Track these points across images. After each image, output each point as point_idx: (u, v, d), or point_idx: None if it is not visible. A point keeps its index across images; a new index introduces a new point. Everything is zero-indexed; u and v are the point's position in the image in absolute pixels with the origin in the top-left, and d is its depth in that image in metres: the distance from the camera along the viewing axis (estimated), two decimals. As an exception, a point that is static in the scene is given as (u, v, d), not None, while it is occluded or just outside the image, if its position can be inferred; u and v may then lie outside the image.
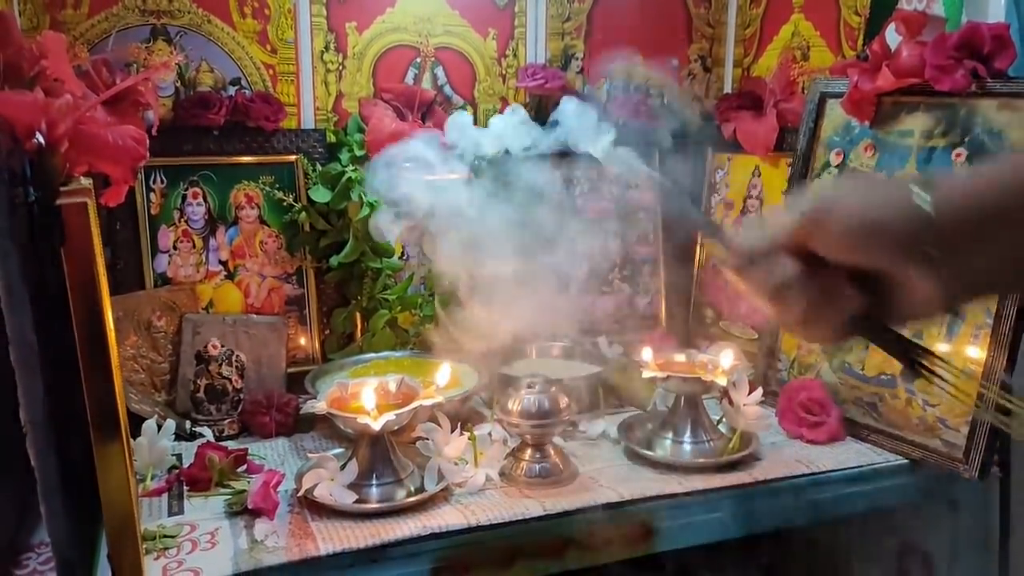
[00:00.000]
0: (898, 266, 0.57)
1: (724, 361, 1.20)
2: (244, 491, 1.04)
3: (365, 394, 1.05)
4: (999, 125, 1.15)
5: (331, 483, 1.03)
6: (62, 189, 0.89)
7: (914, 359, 0.62)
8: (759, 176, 1.61)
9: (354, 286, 1.48)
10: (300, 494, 1.04)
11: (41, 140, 0.86)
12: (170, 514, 1.04)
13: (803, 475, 1.17)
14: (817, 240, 0.59)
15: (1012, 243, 0.56)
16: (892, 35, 1.30)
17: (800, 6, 1.60)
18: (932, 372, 0.62)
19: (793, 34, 1.61)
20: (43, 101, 0.82)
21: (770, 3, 1.68)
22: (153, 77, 1.06)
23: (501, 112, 1.63)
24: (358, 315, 1.50)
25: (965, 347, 1.15)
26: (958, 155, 1.19)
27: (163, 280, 1.41)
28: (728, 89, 1.80)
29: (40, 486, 0.78)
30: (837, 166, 1.37)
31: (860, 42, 1.40)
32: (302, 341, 1.50)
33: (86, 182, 0.96)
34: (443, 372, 1.11)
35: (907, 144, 1.27)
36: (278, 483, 1.04)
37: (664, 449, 1.21)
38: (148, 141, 0.94)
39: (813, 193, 0.61)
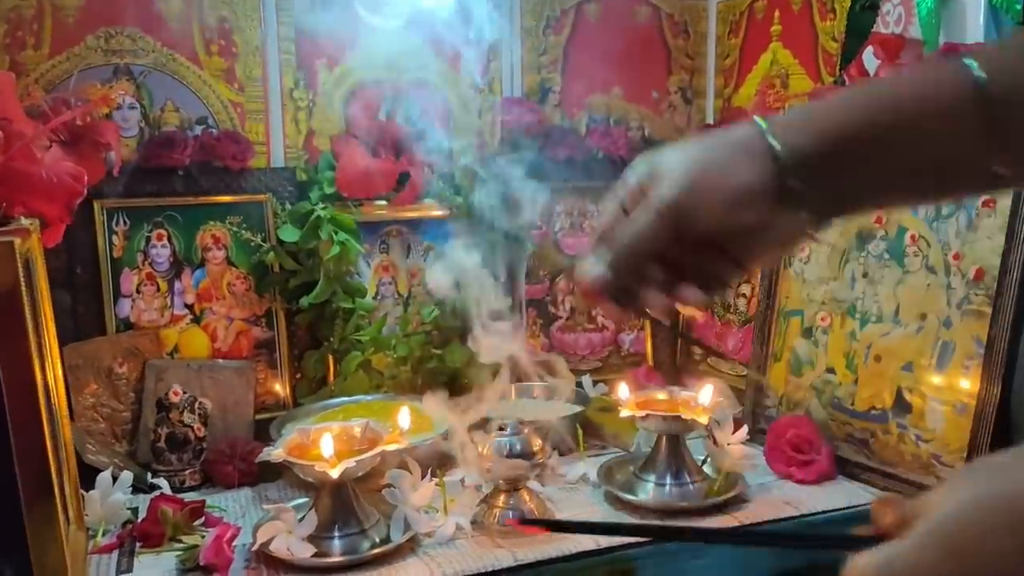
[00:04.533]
0: (768, 214, 0.54)
1: (703, 398, 1.15)
2: (197, 546, 0.98)
3: (324, 440, 1.00)
4: (982, 147, 1.11)
5: (289, 536, 0.98)
6: (-2, 230, 0.85)
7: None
8: (742, 207, 1.57)
9: (325, 327, 1.43)
10: (255, 548, 0.98)
11: (-28, 179, 0.82)
12: (118, 572, 0.98)
13: (792, 517, 1.12)
14: (684, 229, 0.55)
15: (872, 164, 0.53)
16: (870, 59, 1.27)
17: (778, 35, 1.57)
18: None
19: (772, 62, 1.58)
20: (-31, 138, 0.79)
21: (748, 33, 1.66)
22: (94, 110, 1.02)
23: (477, 147, 1.60)
24: (330, 357, 1.45)
25: (957, 379, 1.09)
26: (942, 179, 1.15)
27: (126, 325, 1.36)
28: (710, 120, 1.77)
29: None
30: (819, 194, 1.33)
31: (838, 67, 1.37)
32: (276, 387, 1.44)
33: (27, 223, 0.92)
34: (404, 415, 1.05)
35: (889, 169, 1.22)
36: (232, 537, 0.98)
37: (645, 492, 1.15)
38: (93, 177, 0.90)
39: (660, 181, 0.55)
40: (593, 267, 0.57)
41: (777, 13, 1.57)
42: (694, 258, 0.56)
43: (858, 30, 1.28)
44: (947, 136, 0.51)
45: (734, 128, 0.56)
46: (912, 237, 1.18)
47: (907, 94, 0.52)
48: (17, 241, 0.76)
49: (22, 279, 0.74)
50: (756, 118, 0.55)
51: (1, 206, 0.84)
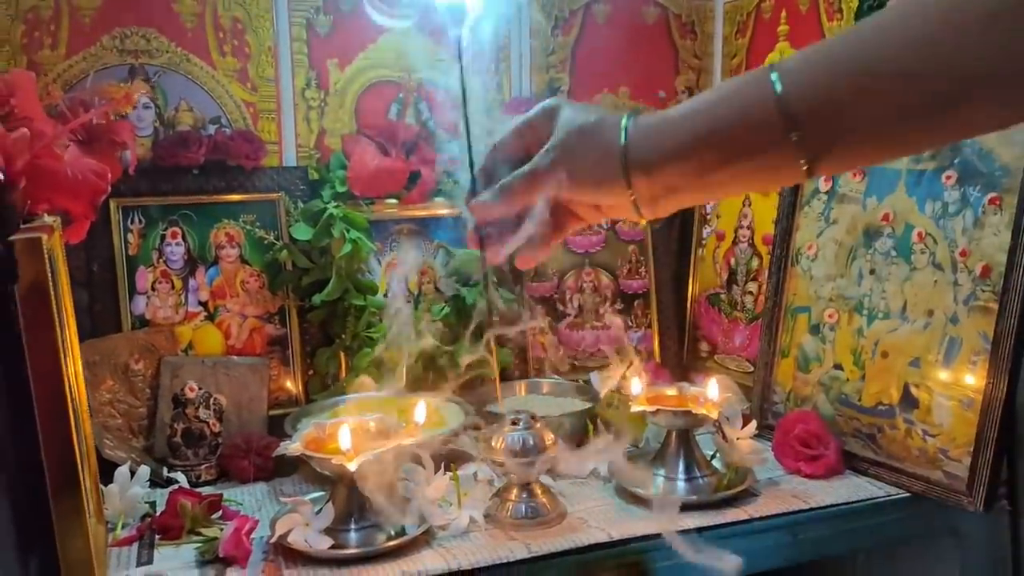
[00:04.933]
0: (614, 199, 0.66)
1: (711, 393, 1.16)
2: (216, 539, 1.00)
3: (341, 434, 1.01)
4: (988, 145, 1.13)
5: (306, 528, 0.99)
6: (22, 227, 0.87)
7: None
8: (750, 206, 1.59)
9: (337, 325, 1.45)
10: (273, 540, 1.00)
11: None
12: (139, 564, 1.00)
13: (801, 511, 1.13)
14: (555, 188, 0.67)
15: (699, 170, 0.61)
16: (877, 59, 1.28)
17: (785, 35, 1.59)
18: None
19: (779, 62, 1.59)
20: (-2, 135, 0.80)
21: (755, 33, 1.67)
22: (111, 110, 1.04)
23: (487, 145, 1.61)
24: (342, 354, 1.46)
25: (964, 374, 1.11)
26: (948, 177, 1.17)
27: (141, 322, 1.38)
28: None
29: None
30: (826, 192, 1.35)
31: (845, 67, 1.38)
32: (289, 383, 1.46)
33: (50, 220, 0.94)
34: (420, 410, 1.07)
35: (896, 168, 1.24)
36: (251, 530, 1.00)
37: (656, 487, 1.17)
38: (110, 175, 0.91)
39: (550, 140, 0.67)
40: (483, 195, 0.71)
41: (784, 13, 1.59)
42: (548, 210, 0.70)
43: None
44: (757, 143, 0.59)
45: (610, 119, 0.65)
46: (919, 234, 1.19)
47: (723, 109, 0.60)
48: (44, 237, 0.78)
49: (61, 274, 0.76)
50: (623, 122, 0.64)
51: (26, 203, 0.86)
